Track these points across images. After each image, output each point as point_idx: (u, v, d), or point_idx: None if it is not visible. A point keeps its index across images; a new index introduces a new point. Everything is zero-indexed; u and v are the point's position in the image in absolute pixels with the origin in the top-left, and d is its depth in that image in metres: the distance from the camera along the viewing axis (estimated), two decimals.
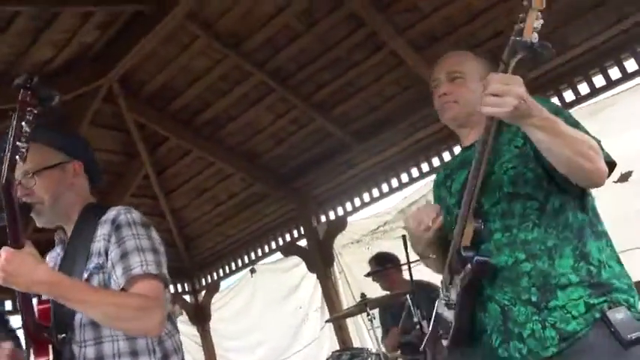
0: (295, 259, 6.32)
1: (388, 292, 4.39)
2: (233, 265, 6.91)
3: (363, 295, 3.89)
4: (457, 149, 5.21)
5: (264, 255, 6.63)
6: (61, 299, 1.52)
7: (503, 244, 1.57)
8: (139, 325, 1.57)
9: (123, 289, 1.61)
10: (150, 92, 5.13)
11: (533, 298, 1.49)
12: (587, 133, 1.55)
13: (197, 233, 6.82)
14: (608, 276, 1.49)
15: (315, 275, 6.04)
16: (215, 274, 7.08)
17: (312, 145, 5.72)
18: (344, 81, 5.06)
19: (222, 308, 7.03)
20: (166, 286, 1.71)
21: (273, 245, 6.53)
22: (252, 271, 6.70)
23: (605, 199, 4.49)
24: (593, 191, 1.64)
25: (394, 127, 5.32)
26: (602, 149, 1.53)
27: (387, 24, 4.44)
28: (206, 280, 7.17)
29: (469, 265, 1.54)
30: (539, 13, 1.38)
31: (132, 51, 4.32)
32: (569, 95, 4.59)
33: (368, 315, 3.78)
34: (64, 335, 1.63)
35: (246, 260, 6.78)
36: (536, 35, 1.38)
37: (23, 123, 1.42)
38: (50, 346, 1.60)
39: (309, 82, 5.11)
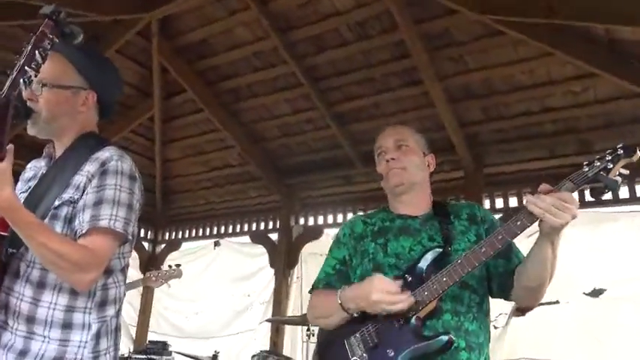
0: (259, 249, 6.32)
1: None
2: (201, 231, 6.91)
3: None
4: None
5: (234, 234, 6.64)
6: (11, 224, 1.52)
7: (452, 327, 1.61)
8: (69, 278, 1.58)
9: (82, 235, 1.61)
10: (185, 42, 5.11)
11: None
12: None
13: (179, 189, 6.81)
14: None
15: (272, 270, 6.05)
16: (180, 233, 7.08)
17: (318, 149, 5.74)
18: (371, 102, 5.09)
19: None
20: (125, 242, 1.72)
21: (246, 228, 6.54)
22: (217, 244, 6.71)
23: (575, 306, 4.54)
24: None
25: None
26: None
27: (429, 65, 4.46)
28: (170, 235, 7.17)
29: (438, 341, 1.56)
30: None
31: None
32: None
33: (308, 329, 3.78)
34: (14, 250, 1.63)
35: (215, 231, 6.78)
36: (619, 179, 1.50)
37: (37, 51, 1.42)
38: None
39: (337, 91, 5.12)
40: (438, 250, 1.68)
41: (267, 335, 5.74)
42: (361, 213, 2.09)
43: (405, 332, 1.59)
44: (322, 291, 1.86)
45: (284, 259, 5.99)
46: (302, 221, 6.17)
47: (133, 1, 4.47)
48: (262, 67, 5.13)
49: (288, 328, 5.71)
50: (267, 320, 4.58)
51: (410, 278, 1.65)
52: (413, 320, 1.59)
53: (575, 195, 1.51)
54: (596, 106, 4.36)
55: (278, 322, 5.11)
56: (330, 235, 6.04)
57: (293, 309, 5.78)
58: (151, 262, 7.00)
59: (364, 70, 4.84)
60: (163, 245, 7.17)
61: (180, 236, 7.08)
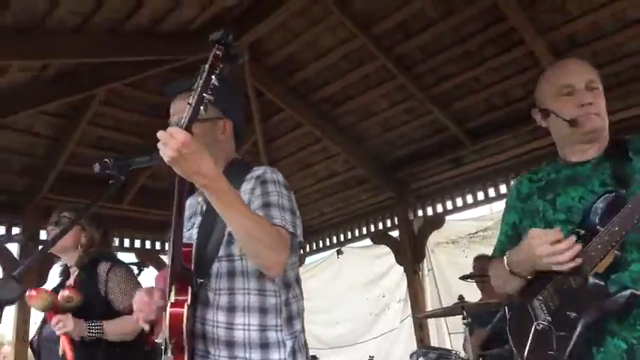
0: (383, 249, 6.29)
1: (480, 298, 4.27)
2: (321, 242, 6.98)
3: (461, 298, 3.77)
4: None
5: (354, 239, 6.64)
6: (214, 198, 1.49)
7: None
8: (268, 254, 1.56)
9: None
10: (274, 62, 5.22)
11: None
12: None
13: None
14: None
15: (402, 268, 5.97)
16: (301, 250, 7.19)
17: (422, 137, 5.62)
18: (469, 76, 4.91)
19: (304, 282, 7.14)
20: (296, 246, 1.73)
21: (364, 231, 6.52)
22: (339, 252, 6.76)
23: None
24: None
25: (513, 131, 5.11)
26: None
27: (528, 22, 4.23)
28: None
29: (621, 297, 1.41)
30: None
31: (267, 19, 4.39)
32: None
33: (464, 319, 3.66)
34: (202, 281, 1.69)
35: (335, 240, 6.82)
36: None
37: (213, 77, 1.43)
38: (189, 288, 1.66)
39: (432, 73, 4.99)
40: (609, 195, 1.50)
41: (411, 332, 5.67)
42: (526, 173, 1.90)
43: (584, 291, 1.46)
44: (496, 260, 1.80)
45: (410, 255, 5.90)
46: (420, 213, 6.05)
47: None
48: (352, 68, 5.11)
49: (430, 323, 5.60)
50: (415, 317, 4.51)
51: (583, 232, 1.51)
52: (591, 278, 1.45)
53: None
54: None
55: (423, 318, 5.03)
56: (450, 223, 5.90)
57: (431, 301, 5.67)
58: None
59: (457, 46, 4.68)
60: None
61: (302, 252, 7.20)
